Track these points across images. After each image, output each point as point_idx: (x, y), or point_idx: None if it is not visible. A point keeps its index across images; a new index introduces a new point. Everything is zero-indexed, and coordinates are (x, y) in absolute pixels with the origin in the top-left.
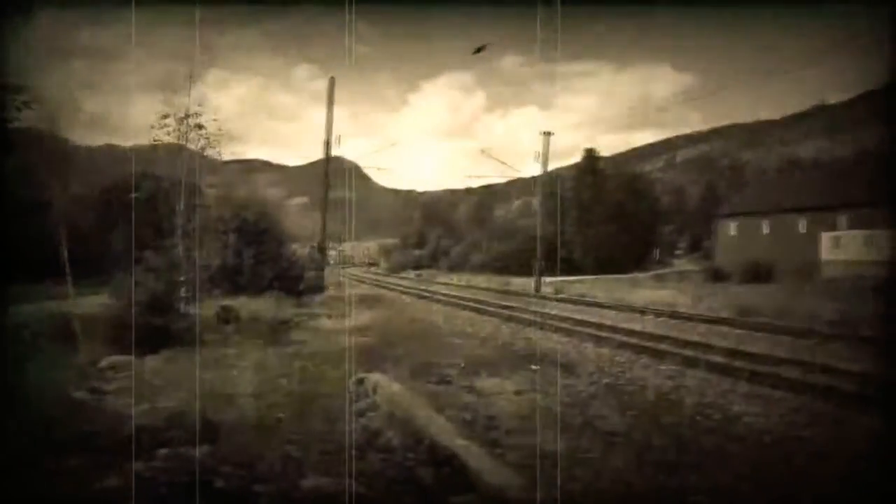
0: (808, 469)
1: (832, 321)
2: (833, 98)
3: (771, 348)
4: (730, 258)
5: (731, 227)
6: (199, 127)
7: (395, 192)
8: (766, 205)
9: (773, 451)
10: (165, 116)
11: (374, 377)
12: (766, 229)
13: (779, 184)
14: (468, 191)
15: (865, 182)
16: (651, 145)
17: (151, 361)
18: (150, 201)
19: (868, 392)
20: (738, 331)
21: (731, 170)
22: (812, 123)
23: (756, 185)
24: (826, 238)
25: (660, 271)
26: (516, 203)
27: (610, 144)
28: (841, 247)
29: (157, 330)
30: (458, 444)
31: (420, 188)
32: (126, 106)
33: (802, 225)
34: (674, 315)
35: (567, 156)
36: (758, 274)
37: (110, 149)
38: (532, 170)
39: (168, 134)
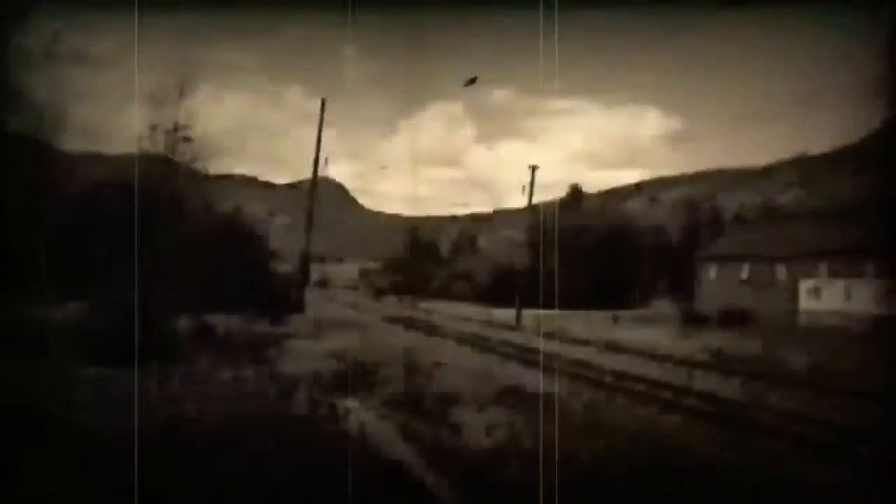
0: None
1: (807, 370)
2: (815, 149)
3: (746, 394)
4: (709, 301)
5: (711, 271)
6: (187, 140)
7: (381, 215)
8: (745, 249)
9: (747, 496)
10: (154, 127)
11: (347, 404)
12: (745, 274)
13: (759, 229)
14: (453, 219)
15: (845, 232)
16: (635, 185)
17: (127, 376)
18: (133, 212)
19: (836, 441)
20: (716, 375)
21: (713, 213)
22: (793, 172)
23: (736, 230)
24: (804, 286)
25: (639, 311)
26: (500, 234)
27: (595, 182)
28: (819, 296)
29: (130, 344)
30: (429, 477)
31: (405, 213)
32: (115, 115)
33: (781, 272)
34: (653, 356)
35: (552, 190)
36: (736, 318)
37: (96, 157)
38: (517, 202)
39: (155, 145)
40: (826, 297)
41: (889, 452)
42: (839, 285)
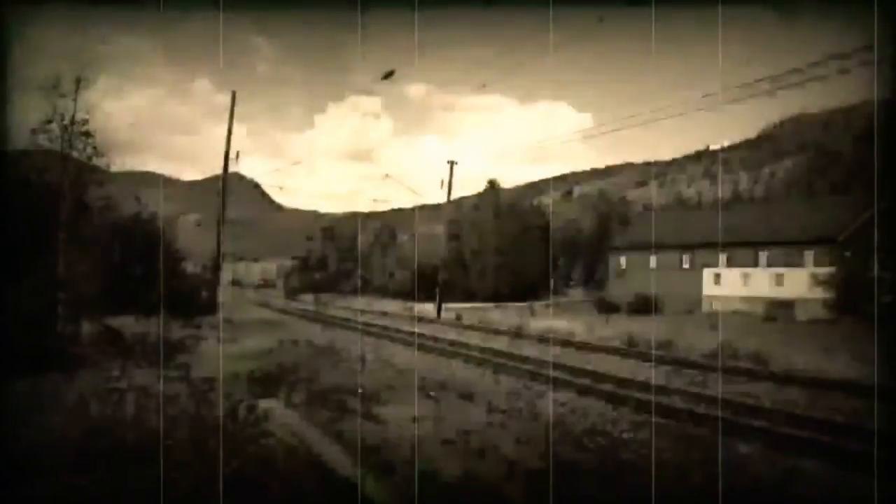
0: (692, 494)
1: (710, 353)
2: (715, 144)
3: (654, 378)
4: (620, 290)
5: (622, 261)
6: (87, 134)
7: (297, 212)
8: (653, 240)
9: (658, 476)
10: (49, 121)
11: (267, 403)
12: (653, 264)
13: (665, 221)
14: (372, 215)
15: (740, 224)
16: (549, 179)
17: (23, 385)
18: (28, 212)
19: (743, 421)
20: (627, 360)
21: (623, 206)
22: (697, 166)
23: (644, 221)
24: (707, 274)
25: (554, 300)
26: (420, 230)
27: (511, 176)
28: (721, 283)
29: (31, 351)
30: (353, 472)
31: (323, 209)
32: (4, 108)
33: (686, 261)
34: (567, 344)
35: (470, 185)
36: (645, 306)
37: None
38: (436, 197)
39: (51, 140)
40: (725, 283)
41: (796, 427)
42: (736, 273)
